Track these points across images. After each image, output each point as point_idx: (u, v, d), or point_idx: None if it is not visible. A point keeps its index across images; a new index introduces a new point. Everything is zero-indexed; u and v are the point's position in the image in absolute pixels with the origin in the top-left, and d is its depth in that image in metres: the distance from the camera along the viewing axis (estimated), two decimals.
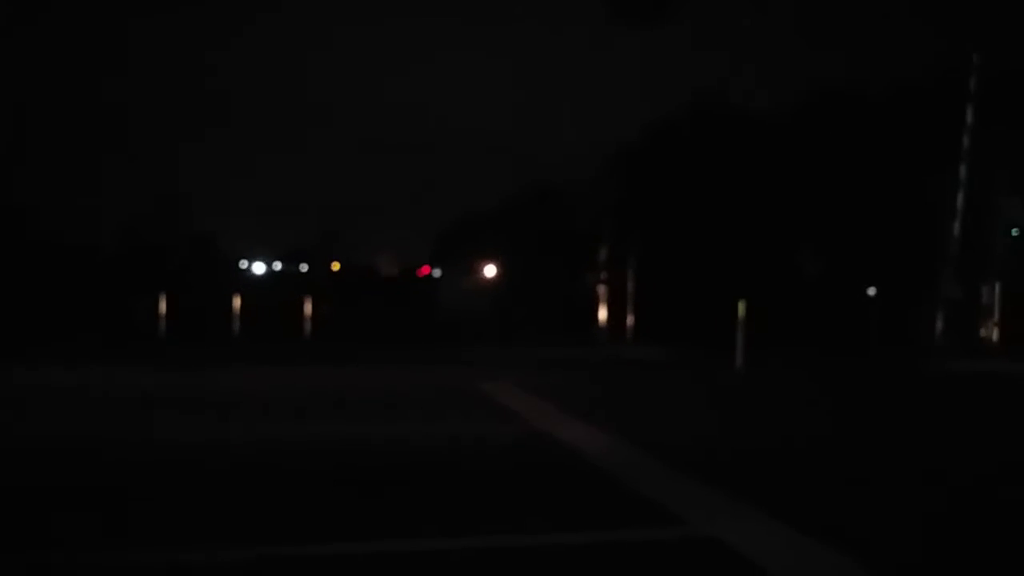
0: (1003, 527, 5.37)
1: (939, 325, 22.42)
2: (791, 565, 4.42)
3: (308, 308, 18.42)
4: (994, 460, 7.84)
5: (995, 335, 22.34)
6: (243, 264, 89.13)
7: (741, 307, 15.70)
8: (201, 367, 14.67)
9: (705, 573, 4.33)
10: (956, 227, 22.49)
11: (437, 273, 70.59)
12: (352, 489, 6.00)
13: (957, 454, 8.08)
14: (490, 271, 30.76)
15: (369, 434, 8.34)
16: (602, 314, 21.11)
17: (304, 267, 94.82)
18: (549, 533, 4.93)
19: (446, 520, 5.20)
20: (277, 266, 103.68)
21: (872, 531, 5.14)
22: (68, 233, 35.79)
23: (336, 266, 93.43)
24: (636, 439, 8.05)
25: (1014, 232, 22.34)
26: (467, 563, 4.37)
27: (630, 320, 21.25)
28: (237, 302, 17.78)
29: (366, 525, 5.05)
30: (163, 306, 17.26)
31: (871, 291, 23.79)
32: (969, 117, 22.56)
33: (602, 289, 21.20)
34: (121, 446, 7.42)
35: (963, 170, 22.52)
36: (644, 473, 6.67)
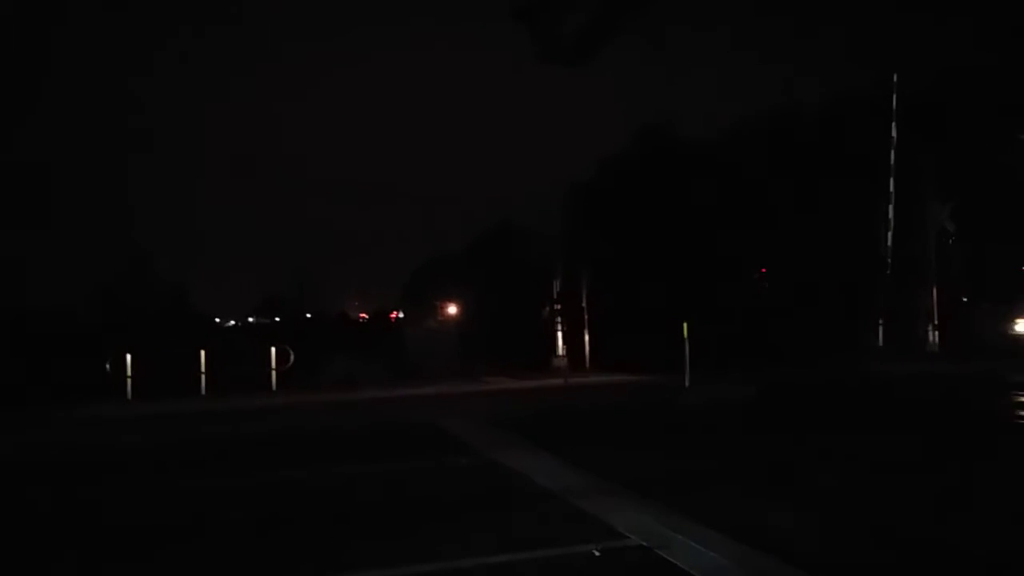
0: None
1: (880, 331, 23.41)
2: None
3: (273, 359, 19.00)
4: None
5: (935, 337, 23.29)
6: (216, 319, 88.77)
7: (685, 328, 16.48)
8: None
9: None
10: (888, 236, 23.64)
11: (402, 315, 71.24)
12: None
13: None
14: (452, 309, 31.58)
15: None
16: (559, 345, 21.79)
17: (276, 319, 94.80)
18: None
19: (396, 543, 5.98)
20: (251, 319, 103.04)
21: None
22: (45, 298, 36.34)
23: (307, 315, 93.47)
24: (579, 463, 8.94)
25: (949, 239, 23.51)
26: None
27: (587, 349, 21.96)
28: (203, 357, 18.35)
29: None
30: (129, 366, 17.85)
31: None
32: (893, 132, 23.83)
33: (558, 320, 21.90)
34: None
35: (892, 183, 23.76)
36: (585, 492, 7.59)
